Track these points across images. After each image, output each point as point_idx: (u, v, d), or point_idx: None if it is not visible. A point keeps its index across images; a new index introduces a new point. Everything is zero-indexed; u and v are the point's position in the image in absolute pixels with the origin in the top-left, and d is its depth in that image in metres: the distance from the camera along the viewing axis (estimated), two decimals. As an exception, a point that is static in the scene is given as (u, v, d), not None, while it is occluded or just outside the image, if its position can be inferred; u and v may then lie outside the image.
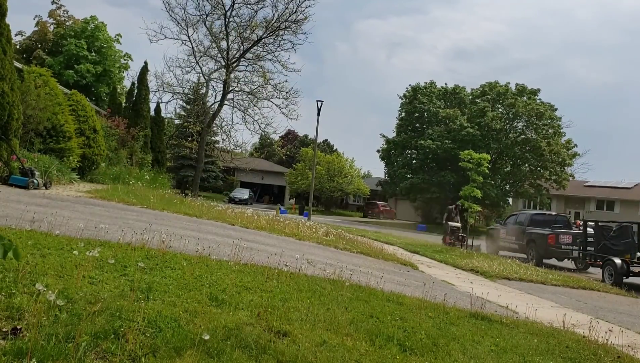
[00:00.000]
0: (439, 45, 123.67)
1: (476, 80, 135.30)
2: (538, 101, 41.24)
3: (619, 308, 9.93)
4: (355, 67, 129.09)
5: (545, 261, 17.28)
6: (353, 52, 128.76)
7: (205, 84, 30.92)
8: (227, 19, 28.81)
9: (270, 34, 28.94)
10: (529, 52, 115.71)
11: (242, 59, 30.00)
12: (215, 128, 34.22)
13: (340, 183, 50.46)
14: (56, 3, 38.77)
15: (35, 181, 12.95)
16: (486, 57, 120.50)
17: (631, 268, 13.44)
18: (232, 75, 29.67)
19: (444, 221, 20.78)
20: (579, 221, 24.03)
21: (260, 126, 30.37)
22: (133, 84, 29.25)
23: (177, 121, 43.40)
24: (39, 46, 36.95)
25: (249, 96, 30.18)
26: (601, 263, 14.44)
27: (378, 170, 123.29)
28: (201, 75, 30.64)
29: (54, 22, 38.24)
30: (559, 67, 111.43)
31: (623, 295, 11.94)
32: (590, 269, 16.51)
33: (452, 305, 6.63)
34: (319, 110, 30.31)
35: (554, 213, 23.39)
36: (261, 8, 29.04)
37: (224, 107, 30.31)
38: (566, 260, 17.67)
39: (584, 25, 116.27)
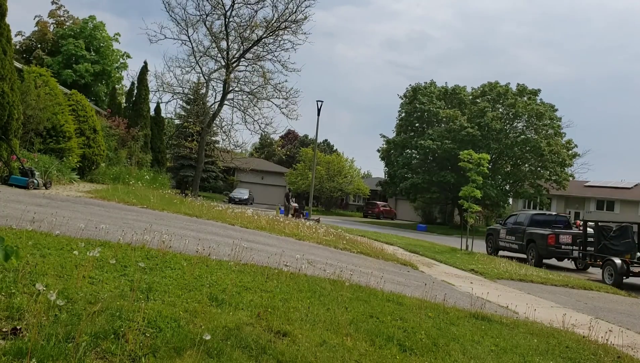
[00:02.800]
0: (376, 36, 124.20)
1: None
2: (538, 101, 41.23)
3: (618, 308, 9.93)
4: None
5: (545, 261, 17.27)
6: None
7: (205, 84, 30.89)
8: (227, 19, 28.81)
9: (270, 34, 28.92)
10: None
11: (242, 59, 29.99)
12: (215, 128, 34.19)
13: (340, 183, 50.46)
14: (56, 3, 38.78)
15: (35, 181, 12.95)
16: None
17: (631, 268, 13.43)
18: (232, 75, 29.65)
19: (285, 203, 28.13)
20: (579, 221, 24.02)
21: (260, 126, 30.37)
22: (133, 84, 29.26)
23: (177, 121, 43.39)
24: (39, 45, 36.95)
25: (249, 96, 30.17)
26: (601, 263, 14.43)
27: (378, 170, 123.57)
28: (201, 75, 30.65)
29: (54, 22, 38.24)
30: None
31: (623, 295, 11.94)
32: (590, 269, 16.51)
33: (452, 305, 6.63)
34: (319, 110, 30.34)
35: (554, 213, 23.36)
36: (261, 8, 29.03)
37: (224, 107, 30.30)
38: (566, 260, 17.67)
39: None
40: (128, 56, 40.11)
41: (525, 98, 40.83)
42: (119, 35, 39.31)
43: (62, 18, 38.47)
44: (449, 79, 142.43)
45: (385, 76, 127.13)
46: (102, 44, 37.41)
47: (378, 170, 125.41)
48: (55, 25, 37.99)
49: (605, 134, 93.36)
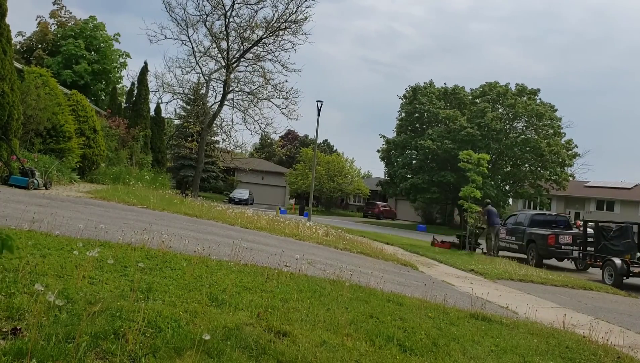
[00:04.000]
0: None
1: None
2: (538, 102, 41.24)
3: (618, 308, 9.93)
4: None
5: (545, 261, 17.28)
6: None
7: (205, 85, 30.89)
8: (227, 19, 28.81)
9: (271, 34, 28.92)
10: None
11: (242, 59, 29.99)
12: (215, 128, 34.21)
13: (340, 183, 50.47)
14: (57, 4, 38.79)
15: (35, 181, 12.95)
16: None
17: (631, 269, 13.42)
18: (232, 75, 29.64)
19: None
20: (579, 222, 24.03)
21: (260, 126, 30.37)
22: (133, 84, 29.28)
23: (177, 121, 43.45)
24: (39, 46, 36.96)
25: (249, 96, 30.17)
26: (601, 263, 14.43)
27: (378, 170, 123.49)
28: (201, 75, 30.66)
29: (56, 22, 38.25)
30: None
31: (623, 295, 11.94)
32: (590, 269, 16.50)
33: (452, 306, 6.63)
34: (319, 110, 30.32)
35: (554, 213, 23.37)
36: (261, 8, 29.03)
37: (224, 107, 30.30)
38: (566, 260, 17.67)
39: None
40: (128, 56, 40.13)
41: (525, 98, 40.85)
42: (119, 35, 39.35)
43: (64, 19, 38.48)
44: (423, 76, 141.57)
45: (362, 74, 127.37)
46: (102, 44, 37.42)
47: (378, 170, 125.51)
48: (56, 26, 38.00)
49: (592, 131, 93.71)
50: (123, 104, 29.66)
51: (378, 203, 52.18)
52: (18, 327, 3.22)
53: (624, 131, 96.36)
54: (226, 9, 28.58)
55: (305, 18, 28.34)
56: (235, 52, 29.69)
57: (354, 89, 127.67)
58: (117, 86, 37.55)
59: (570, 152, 40.75)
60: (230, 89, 29.85)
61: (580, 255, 16.36)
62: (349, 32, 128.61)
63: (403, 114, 45.45)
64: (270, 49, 29.36)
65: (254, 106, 30.06)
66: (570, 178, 42.40)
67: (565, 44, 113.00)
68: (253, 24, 28.92)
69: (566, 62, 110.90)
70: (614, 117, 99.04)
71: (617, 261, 13.51)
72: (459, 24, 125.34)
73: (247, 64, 30.35)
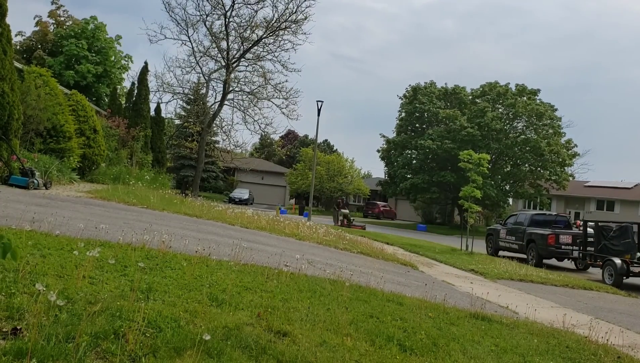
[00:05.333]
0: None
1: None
2: (538, 101, 41.23)
3: (618, 308, 9.93)
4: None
5: (545, 261, 17.28)
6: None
7: (205, 84, 30.89)
8: (227, 19, 28.80)
9: (271, 34, 28.91)
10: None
11: (242, 59, 29.98)
12: (215, 128, 34.20)
13: (341, 183, 50.46)
14: (56, 3, 38.79)
15: (35, 181, 12.95)
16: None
17: (631, 269, 13.43)
18: (232, 75, 29.64)
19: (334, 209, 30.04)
20: (579, 222, 24.03)
21: (260, 126, 30.37)
22: (133, 84, 29.26)
23: (177, 121, 43.43)
24: (39, 46, 36.95)
25: (249, 96, 30.16)
26: (601, 263, 14.44)
27: (378, 170, 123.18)
28: (201, 75, 30.66)
29: (54, 22, 38.24)
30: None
31: (623, 295, 11.94)
32: (590, 269, 16.50)
33: (452, 305, 6.63)
34: (319, 110, 30.31)
35: (554, 213, 23.36)
36: (261, 8, 29.03)
37: (224, 107, 30.30)
38: (566, 260, 17.67)
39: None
40: (130, 58, 40.12)
41: (525, 98, 40.84)
42: (120, 37, 39.36)
43: (62, 18, 38.47)
44: (392, 71, 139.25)
45: (334, 69, 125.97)
46: (103, 46, 37.41)
47: (378, 170, 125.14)
48: (55, 26, 38.00)
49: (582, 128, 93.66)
50: (123, 104, 29.65)
51: (378, 202, 52.18)
52: (18, 327, 3.22)
53: (611, 129, 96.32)
54: (226, 9, 28.61)
55: (305, 18, 28.36)
56: (235, 52, 29.71)
57: (334, 86, 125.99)
58: (117, 86, 37.55)
59: (570, 152, 40.75)
60: (230, 89, 29.86)
61: (580, 254, 16.36)
62: (318, 27, 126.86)
63: (403, 114, 45.42)
64: (270, 49, 29.39)
65: (254, 106, 30.08)
66: (570, 178, 42.40)
67: (542, 40, 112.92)
68: (253, 23, 28.94)
69: (545, 58, 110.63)
70: (600, 114, 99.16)
71: (617, 261, 13.51)
72: (426, 20, 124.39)
73: (247, 64, 30.38)
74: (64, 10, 38.90)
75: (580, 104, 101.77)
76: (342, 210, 28.63)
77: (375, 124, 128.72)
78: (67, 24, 37.93)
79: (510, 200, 44.15)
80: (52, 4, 38.79)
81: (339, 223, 27.57)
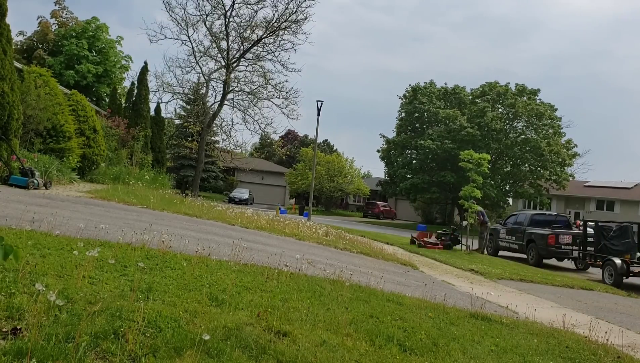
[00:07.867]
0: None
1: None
2: (538, 101, 41.24)
3: (618, 308, 9.93)
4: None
5: (545, 261, 17.28)
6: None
7: (205, 84, 30.86)
8: (227, 19, 28.79)
9: (271, 34, 28.90)
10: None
11: (242, 59, 29.96)
12: (215, 128, 34.17)
13: (340, 183, 50.45)
14: (59, 4, 38.76)
15: (35, 181, 12.95)
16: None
17: (631, 269, 13.43)
18: (232, 75, 29.62)
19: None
20: (579, 221, 24.03)
21: (260, 126, 30.35)
22: (133, 84, 29.24)
23: (177, 121, 43.37)
24: (40, 46, 36.93)
25: (249, 96, 30.15)
26: (601, 263, 14.44)
27: (378, 170, 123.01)
28: (201, 75, 30.62)
29: (56, 22, 38.22)
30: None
31: (623, 295, 11.94)
32: (590, 269, 16.51)
33: (452, 305, 6.63)
34: (319, 110, 30.32)
35: (554, 213, 23.36)
36: (261, 8, 28.98)
37: (224, 107, 30.27)
38: (566, 260, 17.67)
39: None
40: (130, 59, 40.10)
41: (525, 98, 40.85)
42: (122, 38, 39.34)
43: (65, 19, 38.45)
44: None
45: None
46: (104, 46, 37.39)
47: (378, 170, 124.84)
48: (57, 26, 37.98)
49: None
50: (123, 104, 29.64)
51: (378, 202, 52.18)
52: (18, 327, 3.22)
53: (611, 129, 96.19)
54: (226, 9, 28.59)
55: (305, 18, 28.35)
56: (235, 52, 29.69)
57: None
58: (117, 86, 37.52)
59: (570, 152, 40.75)
60: (230, 89, 29.84)
61: (580, 254, 16.36)
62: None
63: (403, 114, 45.44)
64: (270, 49, 29.37)
65: (254, 105, 30.06)
66: (570, 178, 42.40)
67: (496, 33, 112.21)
68: (253, 23, 28.93)
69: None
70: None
71: (617, 261, 13.51)
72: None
73: (247, 64, 30.36)
74: (67, 12, 38.88)
75: (581, 104, 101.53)
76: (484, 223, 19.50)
77: (375, 124, 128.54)
78: (70, 24, 37.90)
79: (510, 200, 44.16)
80: (55, 4, 38.79)
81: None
